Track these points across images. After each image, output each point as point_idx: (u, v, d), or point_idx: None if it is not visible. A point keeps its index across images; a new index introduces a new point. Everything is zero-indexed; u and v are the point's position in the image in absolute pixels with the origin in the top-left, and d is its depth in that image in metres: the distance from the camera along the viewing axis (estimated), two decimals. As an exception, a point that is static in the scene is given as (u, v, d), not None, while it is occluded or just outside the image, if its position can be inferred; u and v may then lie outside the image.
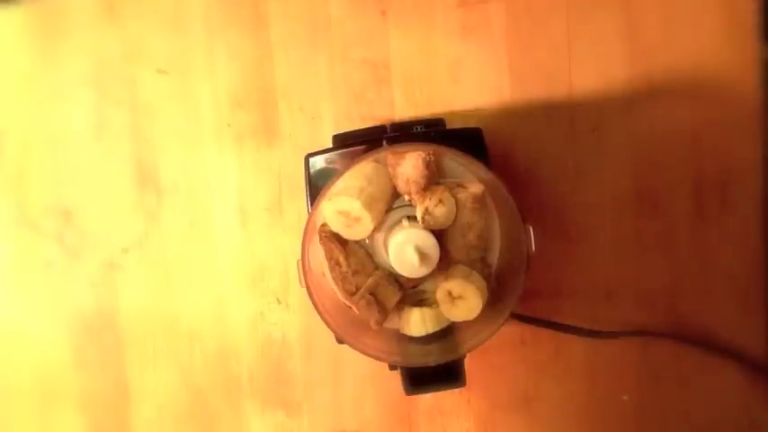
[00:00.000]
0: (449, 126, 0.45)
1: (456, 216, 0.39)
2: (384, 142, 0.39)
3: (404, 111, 0.49)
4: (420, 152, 0.39)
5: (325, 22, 0.49)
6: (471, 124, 0.43)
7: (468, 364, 0.41)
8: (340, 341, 0.40)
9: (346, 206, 0.38)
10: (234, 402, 0.52)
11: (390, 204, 0.41)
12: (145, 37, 0.50)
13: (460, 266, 0.41)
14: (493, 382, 0.51)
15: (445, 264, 0.40)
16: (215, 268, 0.51)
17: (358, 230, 0.39)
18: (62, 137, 0.51)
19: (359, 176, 0.39)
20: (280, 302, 0.51)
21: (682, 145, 0.49)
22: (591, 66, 0.48)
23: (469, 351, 0.40)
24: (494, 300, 0.40)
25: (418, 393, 0.44)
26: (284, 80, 0.49)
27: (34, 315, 0.52)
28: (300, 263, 0.38)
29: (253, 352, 0.52)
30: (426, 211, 0.39)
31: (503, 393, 0.51)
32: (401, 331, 0.42)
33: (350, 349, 0.39)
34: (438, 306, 0.41)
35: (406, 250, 0.38)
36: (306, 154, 0.42)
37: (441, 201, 0.39)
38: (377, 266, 0.42)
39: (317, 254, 0.40)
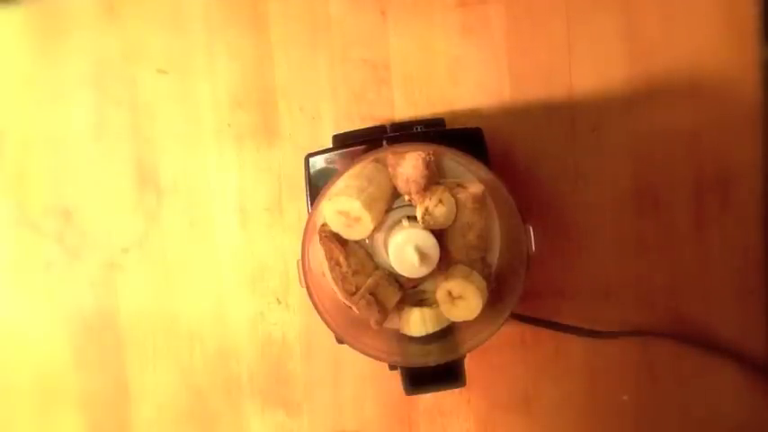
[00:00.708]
0: (449, 126, 0.45)
1: (456, 216, 0.39)
2: (384, 142, 0.39)
3: (404, 111, 0.49)
4: (420, 152, 0.39)
5: (325, 22, 0.49)
6: (471, 124, 0.43)
7: (468, 364, 0.41)
8: (340, 341, 0.40)
9: (346, 206, 0.38)
10: (234, 402, 0.52)
11: (390, 204, 0.41)
12: (145, 37, 0.50)
13: (460, 266, 0.41)
14: (493, 382, 0.51)
15: (445, 264, 0.40)
16: (215, 268, 0.51)
17: (358, 230, 0.39)
18: (62, 137, 0.51)
19: (359, 176, 0.39)
20: (280, 302, 0.51)
21: (682, 145, 0.49)
22: (591, 66, 0.48)
23: (469, 351, 0.40)
24: (494, 300, 0.40)
25: (418, 393, 0.44)
26: (284, 80, 0.49)
27: (34, 315, 0.52)
28: (300, 263, 0.38)
29: (253, 352, 0.52)
30: (426, 211, 0.39)
31: (503, 393, 0.51)
32: (401, 331, 0.42)
33: (350, 349, 0.39)
34: (438, 306, 0.41)
35: (406, 250, 0.38)
36: (306, 154, 0.42)
37: (441, 201, 0.39)
38: (377, 266, 0.42)
39: (317, 254, 0.40)
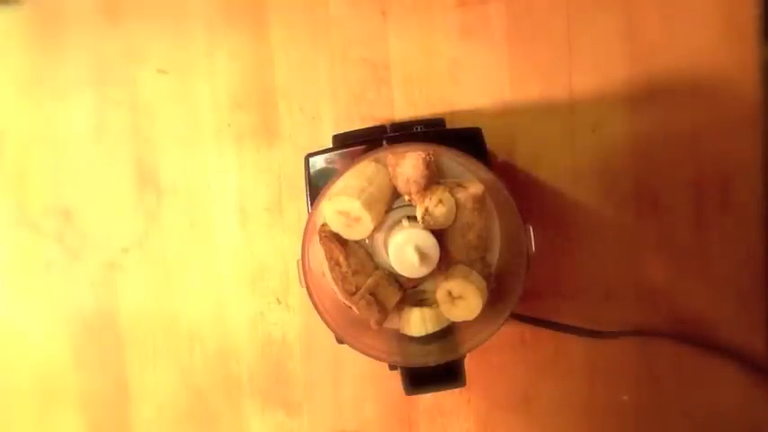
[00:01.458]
0: (449, 126, 0.45)
1: (456, 216, 0.39)
2: (384, 142, 0.39)
3: (404, 111, 0.49)
4: (420, 152, 0.39)
5: (325, 23, 0.49)
6: (471, 124, 0.43)
7: (468, 364, 0.41)
8: (340, 341, 0.40)
9: (346, 206, 0.38)
10: (234, 402, 0.52)
11: (390, 204, 0.41)
12: (145, 37, 0.50)
13: (460, 266, 0.41)
14: (493, 382, 0.51)
15: (445, 264, 0.40)
16: (215, 268, 0.51)
17: (358, 230, 0.39)
18: (62, 137, 0.51)
19: (359, 176, 0.39)
20: (280, 302, 0.51)
21: (682, 145, 0.49)
22: (591, 66, 0.48)
23: (469, 351, 0.40)
24: (494, 300, 0.40)
25: (418, 393, 0.44)
26: (284, 80, 0.49)
27: (34, 315, 0.52)
28: (300, 263, 0.38)
29: (253, 352, 0.52)
30: (426, 211, 0.39)
31: (503, 393, 0.51)
32: (401, 331, 0.42)
33: (350, 349, 0.39)
34: (438, 306, 0.41)
35: (406, 250, 0.38)
36: (306, 154, 0.42)
37: (441, 201, 0.39)
38: (377, 266, 0.42)
39: (317, 254, 0.40)
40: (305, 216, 0.39)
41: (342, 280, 0.40)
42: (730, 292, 0.50)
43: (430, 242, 0.39)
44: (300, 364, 0.51)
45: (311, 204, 0.41)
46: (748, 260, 0.49)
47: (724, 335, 0.50)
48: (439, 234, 0.39)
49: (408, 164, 0.39)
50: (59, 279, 0.52)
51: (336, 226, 0.40)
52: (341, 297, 0.41)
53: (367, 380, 0.51)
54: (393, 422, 0.52)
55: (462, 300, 0.39)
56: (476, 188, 0.40)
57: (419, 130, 0.43)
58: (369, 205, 0.38)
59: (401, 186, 0.40)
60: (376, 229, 0.40)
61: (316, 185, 0.42)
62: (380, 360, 0.40)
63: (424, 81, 0.49)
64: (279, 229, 0.51)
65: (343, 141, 0.44)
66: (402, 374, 0.41)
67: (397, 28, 0.48)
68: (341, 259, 0.40)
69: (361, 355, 0.40)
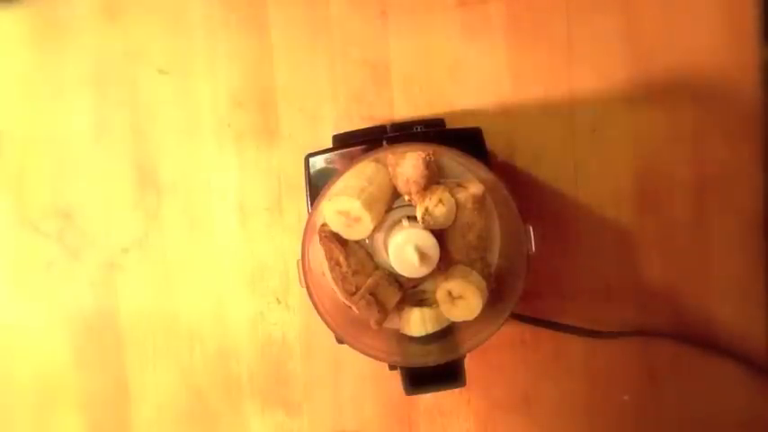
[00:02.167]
0: (449, 126, 0.45)
1: (456, 216, 0.39)
2: (384, 142, 0.39)
3: (404, 111, 0.49)
4: (420, 152, 0.39)
5: (325, 23, 0.49)
6: (471, 124, 0.43)
7: (468, 364, 0.41)
8: (340, 341, 0.40)
9: (346, 206, 0.38)
10: (234, 402, 0.52)
11: (390, 204, 0.41)
12: (145, 37, 0.50)
13: (460, 266, 0.41)
14: (493, 382, 0.51)
15: (445, 264, 0.40)
16: (215, 268, 0.51)
17: (358, 230, 0.39)
18: (62, 137, 0.51)
19: (359, 176, 0.39)
20: (280, 302, 0.51)
21: (682, 145, 0.49)
22: (591, 66, 0.48)
23: (469, 351, 0.40)
24: (494, 300, 0.40)
25: (418, 393, 0.44)
26: (284, 80, 0.49)
27: (34, 315, 0.52)
28: (300, 263, 0.38)
29: (253, 352, 0.52)
30: (426, 211, 0.39)
31: (503, 393, 0.51)
32: (401, 331, 0.42)
33: (350, 349, 0.39)
34: (438, 306, 0.41)
35: (406, 250, 0.38)
36: (306, 154, 0.42)
37: (441, 201, 0.39)
38: (377, 266, 0.42)
39: (317, 254, 0.40)
40: (305, 216, 0.39)
41: (342, 280, 0.40)
42: (730, 292, 0.50)
43: (430, 242, 0.39)
44: (300, 364, 0.51)
45: (311, 204, 0.41)
46: (748, 260, 0.49)
47: (724, 335, 0.50)
48: (439, 234, 0.39)
49: (408, 164, 0.39)
50: (59, 279, 0.52)
51: (336, 226, 0.40)
52: (341, 297, 0.41)
53: (367, 380, 0.51)
54: (393, 422, 0.52)
55: (462, 300, 0.39)
56: (476, 188, 0.40)
57: (419, 130, 0.43)
58: (369, 205, 0.38)
59: (401, 186, 0.40)
60: (376, 229, 0.40)
61: (316, 185, 0.42)
62: (380, 360, 0.40)
63: (424, 81, 0.49)
64: (279, 228, 0.51)
65: (343, 141, 0.44)
66: (402, 374, 0.41)
67: (397, 28, 0.48)
68: (341, 259, 0.40)
69: (361, 355, 0.40)
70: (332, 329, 0.39)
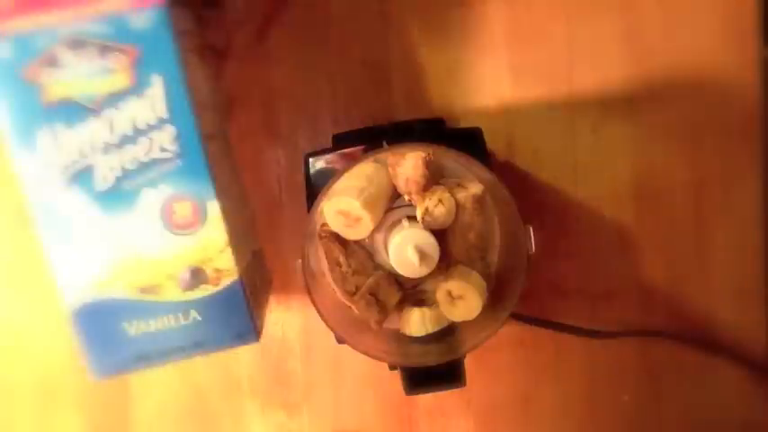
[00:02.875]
0: (449, 126, 0.45)
1: (456, 216, 0.40)
2: (384, 142, 0.39)
3: (404, 111, 0.49)
4: (420, 152, 0.39)
5: (325, 23, 0.49)
6: (471, 124, 0.43)
7: (468, 364, 0.41)
8: (340, 341, 0.40)
9: (346, 206, 0.38)
10: (234, 402, 0.52)
11: (390, 204, 0.41)
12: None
13: (460, 266, 0.41)
14: (493, 382, 0.51)
15: (445, 264, 0.40)
16: (215, 268, 0.51)
17: (358, 230, 0.39)
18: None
19: (359, 176, 0.39)
20: (280, 302, 0.51)
21: (682, 145, 0.49)
22: (591, 66, 0.48)
23: (469, 351, 0.40)
24: (494, 300, 0.40)
25: (418, 393, 0.44)
26: (284, 80, 0.49)
27: (34, 315, 0.52)
28: (300, 263, 0.38)
29: (253, 352, 0.52)
30: (426, 211, 0.39)
31: (503, 393, 0.51)
32: (401, 331, 0.42)
33: (350, 349, 0.39)
34: (438, 306, 0.41)
35: (406, 250, 0.38)
36: (306, 154, 0.42)
37: (440, 201, 0.39)
38: (377, 266, 0.42)
39: (317, 254, 0.40)
40: (305, 216, 0.39)
41: (342, 280, 0.40)
42: (730, 292, 0.50)
43: (430, 242, 0.39)
44: (300, 364, 0.51)
45: (311, 204, 0.41)
46: (748, 260, 0.49)
47: (724, 335, 0.50)
48: (439, 234, 0.39)
49: (408, 164, 0.39)
50: (59, 279, 0.52)
51: (336, 226, 0.40)
52: (341, 297, 0.41)
53: (367, 380, 0.51)
54: (393, 422, 0.52)
55: (462, 300, 0.40)
56: (476, 188, 0.40)
57: (419, 129, 0.43)
58: (369, 205, 0.38)
59: (401, 186, 0.40)
60: (376, 229, 0.40)
61: (316, 185, 0.42)
62: (380, 360, 0.40)
63: (424, 81, 0.49)
64: (278, 228, 0.51)
65: (343, 141, 0.44)
66: (402, 374, 0.41)
67: (398, 28, 0.48)
68: (341, 259, 0.40)
69: (361, 355, 0.40)
70: (332, 329, 0.39)
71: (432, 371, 0.40)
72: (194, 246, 0.37)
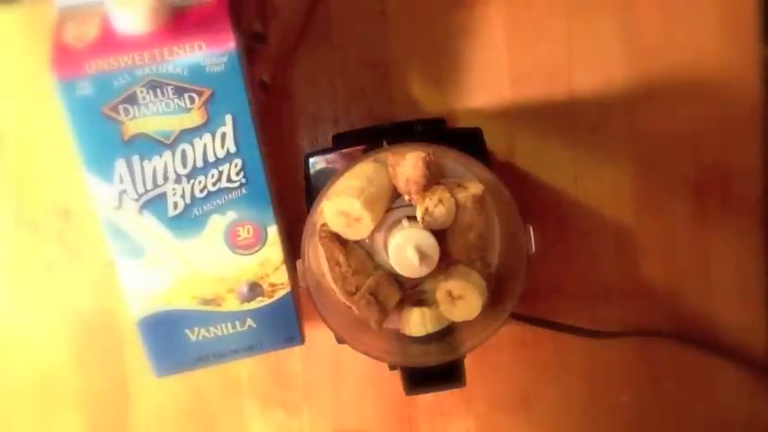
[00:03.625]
0: (449, 126, 0.45)
1: (456, 216, 0.39)
2: (384, 142, 0.39)
3: (404, 111, 0.49)
4: (420, 152, 0.39)
5: (325, 22, 0.49)
6: (471, 124, 0.43)
7: (468, 364, 0.41)
8: (340, 341, 0.40)
9: (346, 206, 0.38)
10: (234, 402, 0.52)
11: (390, 204, 0.41)
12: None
13: (460, 266, 0.41)
14: (493, 382, 0.51)
15: (445, 264, 0.40)
16: (215, 268, 0.51)
17: (358, 230, 0.39)
18: (62, 137, 0.51)
19: (359, 176, 0.39)
20: (280, 302, 0.51)
21: (682, 145, 0.49)
22: (591, 66, 0.48)
23: (469, 351, 0.40)
24: (494, 300, 0.40)
25: (418, 393, 0.44)
26: (284, 80, 0.49)
27: (34, 315, 0.52)
28: (300, 263, 0.38)
29: (253, 352, 0.52)
30: (426, 211, 0.39)
31: (503, 393, 0.51)
32: (401, 331, 0.42)
33: (350, 349, 0.39)
34: (438, 306, 0.41)
35: (406, 250, 0.38)
36: (306, 154, 0.42)
37: (441, 201, 0.39)
38: (377, 266, 0.42)
39: (317, 254, 0.40)
40: (305, 216, 0.39)
41: (342, 280, 0.40)
42: (730, 292, 0.50)
43: (430, 242, 0.39)
44: (300, 364, 0.51)
45: (311, 204, 0.41)
46: (748, 260, 0.50)
47: (724, 335, 0.50)
48: (439, 234, 0.39)
49: (408, 164, 0.39)
50: (59, 279, 0.52)
51: (336, 226, 0.40)
52: (341, 297, 0.41)
53: (367, 380, 0.51)
54: (393, 422, 0.52)
55: (462, 300, 0.40)
56: (476, 188, 0.40)
57: (419, 129, 0.43)
58: (369, 205, 0.38)
59: (401, 186, 0.40)
60: (376, 229, 0.40)
61: (316, 185, 0.42)
62: (380, 360, 0.40)
63: (424, 81, 0.49)
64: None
65: (343, 141, 0.44)
66: (402, 374, 0.41)
67: (398, 28, 0.48)
68: (341, 259, 0.40)
69: (361, 355, 0.40)
70: (332, 329, 0.39)
71: (432, 371, 0.40)
72: (253, 263, 0.41)
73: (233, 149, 0.38)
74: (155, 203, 0.38)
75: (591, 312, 0.50)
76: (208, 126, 0.37)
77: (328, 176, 0.39)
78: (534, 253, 0.38)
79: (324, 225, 0.40)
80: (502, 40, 0.48)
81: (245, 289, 0.41)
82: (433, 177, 0.39)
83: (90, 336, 0.52)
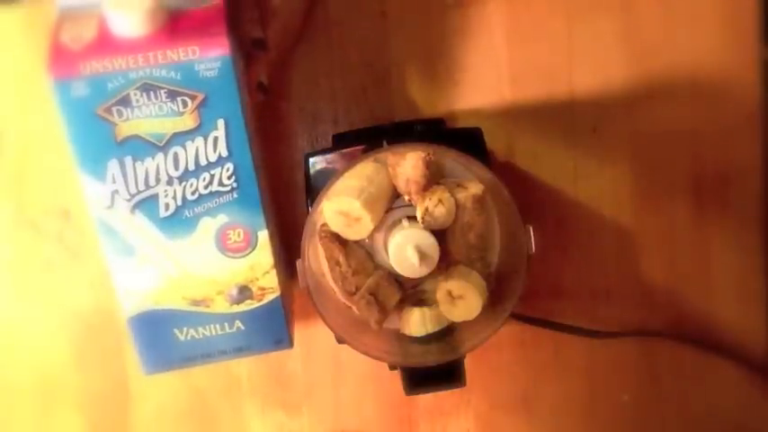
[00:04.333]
0: (449, 126, 0.45)
1: (456, 216, 0.39)
2: (384, 142, 0.39)
3: (404, 111, 0.49)
4: (420, 152, 0.39)
5: (325, 22, 0.49)
6: (471, 124, 0.43)
7: (468, 364, 0.41)
8: (340, 341, 0.40)
9: (346, 206, 0.38)
10: (234, 402, 0.52)
11: (390, 204, 0.41)
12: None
13: (460, 266, 0.41)
14: (493, 382, 0.51)
15: (445, 264, 0.40)
16: (215, 268, 0.51)
17: (358, 230, 0.39)
18: (62, 137, 0.51)
19: (359, 176, 0.39)
20: (280, 302, 0.51)
21: (682, 145, 0.49)
22: (591, 66, 0.48)
23: (469, 351, 0.40)
24: (494, 300, 0.40)
25: (418, 393, 0.44)
26: (284, 80, 0.49)
27: (34, 315, 0.52)
28: (300, 263, 0.38)
29: (253, 352, 0.52)
30: (426, 211, 0.39)
31: (503, 393, 0.51)
32: (401, 331, 0.42)
33: (350, 349, 0.39)
34: (438, 306, 0.41)
35: (406, 250, 0.38)
36: (306, 154, 0.42)
37: (441, 201, 0.39)
38: (377, 266, 0.42)
39: (317, 254, 0.40)
40: (305, 216, 0.39)
41: (342, 280, 0.40)
42: (730, 292, 0.50)
43: (430, 242, 0.39)
44: (300, 364, 0.51)
45: (311, 204, 0.41)
46: (748, 260, 0.50)
47: (724, 335, 0.50)
48: (439, 234, 0.39)
49: (408, 164, 0.39)
50: (59, 279, 0.52)
51: (336, 226, 0.40)
52: (341, 297, 0.41)
53: (367, 380, 0.51)
54: (393, 422, 0.52)
55: (462, 300, 0.40)
56: (476, 188, 0.40)
57: (419, 129, 0.43)
58: (369, 205, 0.38)
59: (401, 186, 0.40)
60: (376, 229, 0.40)
61: (316, 185, 0.42)
62: (380, 360, 0.40)
63: (423, 81, 0.49)
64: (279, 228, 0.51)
65: (343, 141, 0.44)
66: (402, 374, 0.41)
67: (398, 28, 0.48)
68: (341, 259, 0.40)
69: (361, 355, 0.40)
70: (332, 329, 0.39)
71: (432, 371, 0.40)
72: (243, 267, 0.41)
73: (225, 154, 0.38)
74: (146, 204, 0.39)
75: (591, 312, 0.50)
76: (200, 130, 0.37)
77: (328, 176, 0.39)
78: (534, 253, 0.38)
79: (324, 225, 0.40)
80: (502, 41, 0.48)
81: (234, 291, 0.41)
82: (433, 177, 0.39)
83: (90, 335, 0.52)
